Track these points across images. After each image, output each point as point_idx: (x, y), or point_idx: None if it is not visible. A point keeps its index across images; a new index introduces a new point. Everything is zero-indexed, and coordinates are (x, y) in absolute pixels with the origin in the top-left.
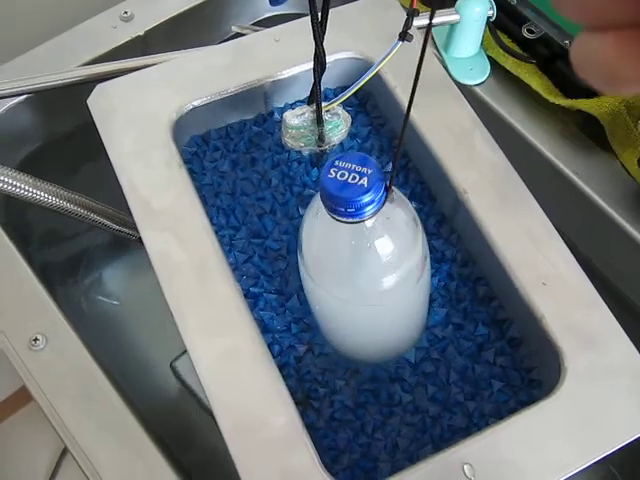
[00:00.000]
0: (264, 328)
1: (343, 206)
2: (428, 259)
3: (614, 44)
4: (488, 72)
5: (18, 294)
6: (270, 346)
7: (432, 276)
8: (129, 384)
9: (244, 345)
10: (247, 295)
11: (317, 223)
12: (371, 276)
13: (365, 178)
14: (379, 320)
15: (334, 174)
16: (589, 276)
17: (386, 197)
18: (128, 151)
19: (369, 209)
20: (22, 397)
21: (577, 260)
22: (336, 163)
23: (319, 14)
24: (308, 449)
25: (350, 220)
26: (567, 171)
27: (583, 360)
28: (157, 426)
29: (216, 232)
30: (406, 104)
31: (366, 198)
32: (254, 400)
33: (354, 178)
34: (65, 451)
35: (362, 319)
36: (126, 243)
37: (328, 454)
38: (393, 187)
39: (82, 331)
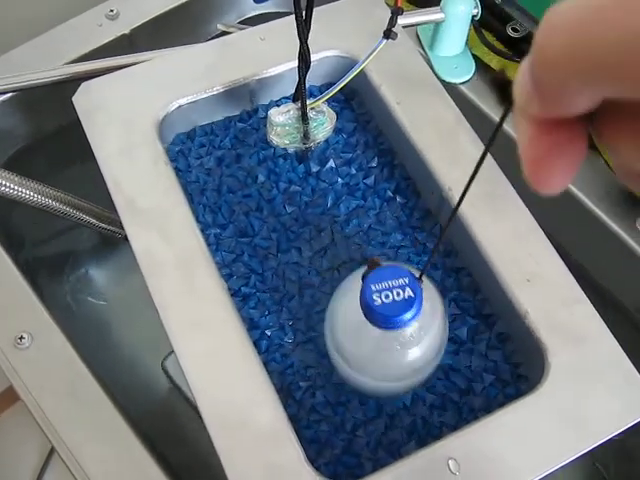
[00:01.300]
0: (253, 325)
1: (396, 326)
2: (445, 341)
3: None
4: (473, 70)
5: (3, 292)
6: (257, 342)
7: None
8: (118, 383)
9: (229, 341)
10: (237, 294)
11: (352, 313)
12: (398, 363)
13: (408, 289)
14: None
15: (379, 299)
16: (573, 273)
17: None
18: (113, 149)
19: (414, 316)
20: (9, 397)
21: (561, 257)
22: (373, 287)
23: (303, 13)
24: (293, 444)
25: (398, 329)
26: None
27: (566, 356)
28: (146, 425)
29: (202, 230)
30: (392, 102)
31: (411, 313)
32: (239, 396)
33: (398, 294)
34: (52, 451)
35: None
36: (113, 242)
37: (311, 447)
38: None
39: (69, 329)
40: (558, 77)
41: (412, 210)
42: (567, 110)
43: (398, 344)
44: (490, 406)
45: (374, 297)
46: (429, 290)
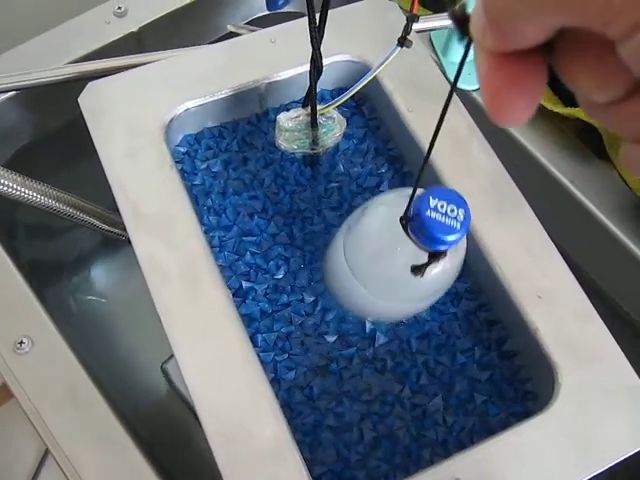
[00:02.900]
0: (252, 319)
1: (435, 242)
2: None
3: None
4: None
5: (4, 295)
6: (253, 337)
7: None
8: (117, 385)
9: (232, 352)
10: (238, 292)
11: (383, 234)
12: (416, 287)
13: (459, 219)
14: (397, 309)
15: (432, 214)
16: (583, 287)
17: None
18: (119, 152)
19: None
20: (3, 394)
21: (572, 270)
22: (431, 202)
23: (317, 18)
24: (297, 461)
25: (440, 250)
26: (564, 180)
27: (577, 375)
28: (144, 428)
29: (206, 233)
30: (403, 109)
31: (454, 236)
32: (242, 409)
33: (449, 218)
34: (47, 454)
35: (384, 307)
36: (115, 242)
37: (314, 463)
38: None
39: (69, 331)
40: (506, 8)
41: None
42: (519, 42)
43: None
44: (496, 423)
45: (429, 212)
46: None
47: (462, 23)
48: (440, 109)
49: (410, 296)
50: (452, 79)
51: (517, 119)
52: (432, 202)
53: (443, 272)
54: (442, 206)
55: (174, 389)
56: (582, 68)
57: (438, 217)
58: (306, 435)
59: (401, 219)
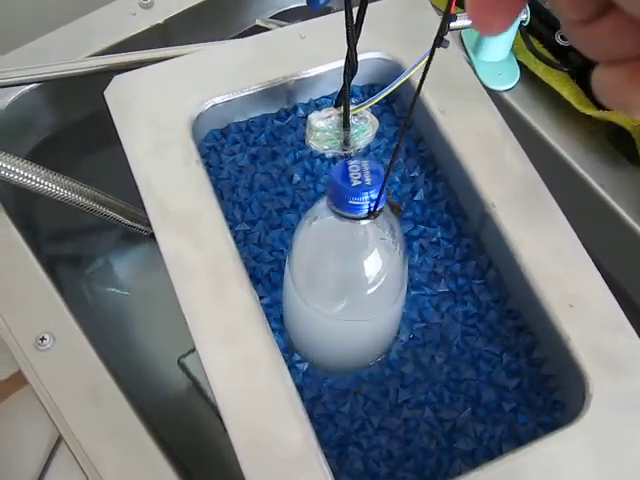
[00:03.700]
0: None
1: (350, 197)
2: (405, 288)
3: (622, 76)
4: (517, 78)
5: (26, 291)
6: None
7: (453, 291)
8: (136, 379)
9: (259, 355)
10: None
11: (312, 231)
12: (358, 288)
13: (375, 177)
14: (356, 334)
15: (344, 171)
16: (612, 293)
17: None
18: (145, 148)
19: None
20: (18, 381)
21: (603, 277)
22: (348, 163)
23: (354, 17)
24: (323, 470)
25: (352, 215)
26: (593, 183)
27: (609, 387)
28: (162, 425)
29: (231, 228)
30: (435, 110)
31: (370, 195)
32: (269, 415)
33: (362, 179)
34: (58, 444)
35: (341, 334)
36: (136, 235)
37: (341, 474)
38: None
39: (90, 324)
40: None
41: (452, 224)
42: None
43: (353, 255)
44: (524, 432)
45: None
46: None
47: None
48: (472, 110)
49: (350, 297)
50: (482, 78)
51: (498, 27)
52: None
53: (375, 260)
54: (356, 174)
55: (193, 383)
56: None
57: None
58: (332, 449)
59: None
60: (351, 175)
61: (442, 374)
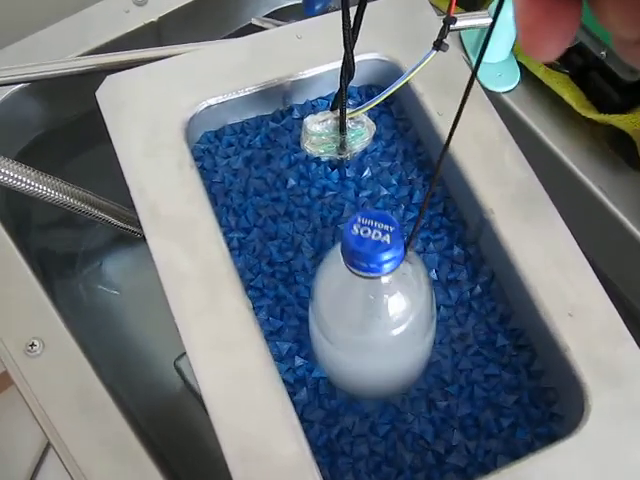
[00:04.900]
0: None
1: (365, 261)
2: (435, 317)
3: None
4: (518, 79)
5: (16, 296)
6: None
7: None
8: (129, 382)
9: (252, 364)
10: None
11: (334, 276)
12: (382, 330)
13: (388, 235)
14: (383, 371)
15: (357, 230)
16: (612, 301)
17: (405, 255)
18: (138, 150)
19: (388, 266)
20: (3, 381)
21: (600, 282)
22: (359, 220)
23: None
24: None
25: (369, 275)
26: (592, 186)
27: (608, 398)
28: (155, 429)
29: (225, 234)
30: (434, 112)
31: (386, 255)
32: (261, 425)
33: (377, 235)
34: (46, 451)
35: (368, 371)
36: (129, 235)
37: None
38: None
39: (81, 326)
40: None
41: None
42: None
43: (375, 300)
44: (521, 446)
45: (354, 227)
46: (418, 266)
47: None
48: (472, 114)
49: (375, 340)
50: (482, 80)
51: (550, 54)
52: (355, 228)
53: (399, 302)
54: (368, 228)
55: (188, 386)
56: (612, 4)
57: (363, 236)
58: (324, 457)
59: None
60: (366, 234)
61: (437, 391)
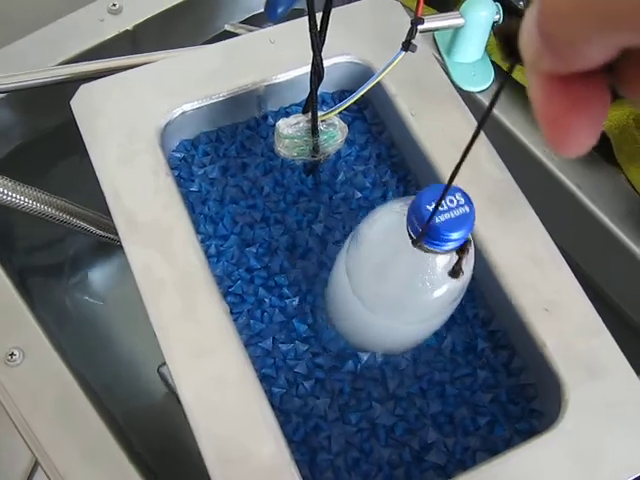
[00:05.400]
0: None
1: (440, 239)
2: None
3: None
4: (492, 79)
5: None
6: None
7: None
8: (112, 390)
9: (230, 369)
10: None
11: (386, 244)
12: (422, 304)
13: (465, 207)
14: (411, 333)
15: (430, 206)
16: (589, 295)
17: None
18: (113, 158)
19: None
20: None
21: (578, 278)
22: (431, 195)
23: (318, 23)
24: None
25: (438, 250)
26: (569, 184)
27: (585, 392)
28: (138, 436)
29: (202, 242)
30: (407, 113)
31: (461, 232)
32: (240, 428)
33: (450, 211)
34: (36, 465)
35: (394, 335)
36: (111, 244)
37: None
38: None
39: (64, 335)
40: (570, 30)
41: None
42: (581, 64)
43: (428, 279)
44: (500, 441)
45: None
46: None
47: (509, 42)
48: (445, 113)
49: (419, 312)
50: (456, 80)
51: (580, 147)
52: (429, 206)
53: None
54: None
55: (172, 392)
56: None
57: (443, 216)
58: (304, 455)
59: (414, 241)
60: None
61: (416, 390)
